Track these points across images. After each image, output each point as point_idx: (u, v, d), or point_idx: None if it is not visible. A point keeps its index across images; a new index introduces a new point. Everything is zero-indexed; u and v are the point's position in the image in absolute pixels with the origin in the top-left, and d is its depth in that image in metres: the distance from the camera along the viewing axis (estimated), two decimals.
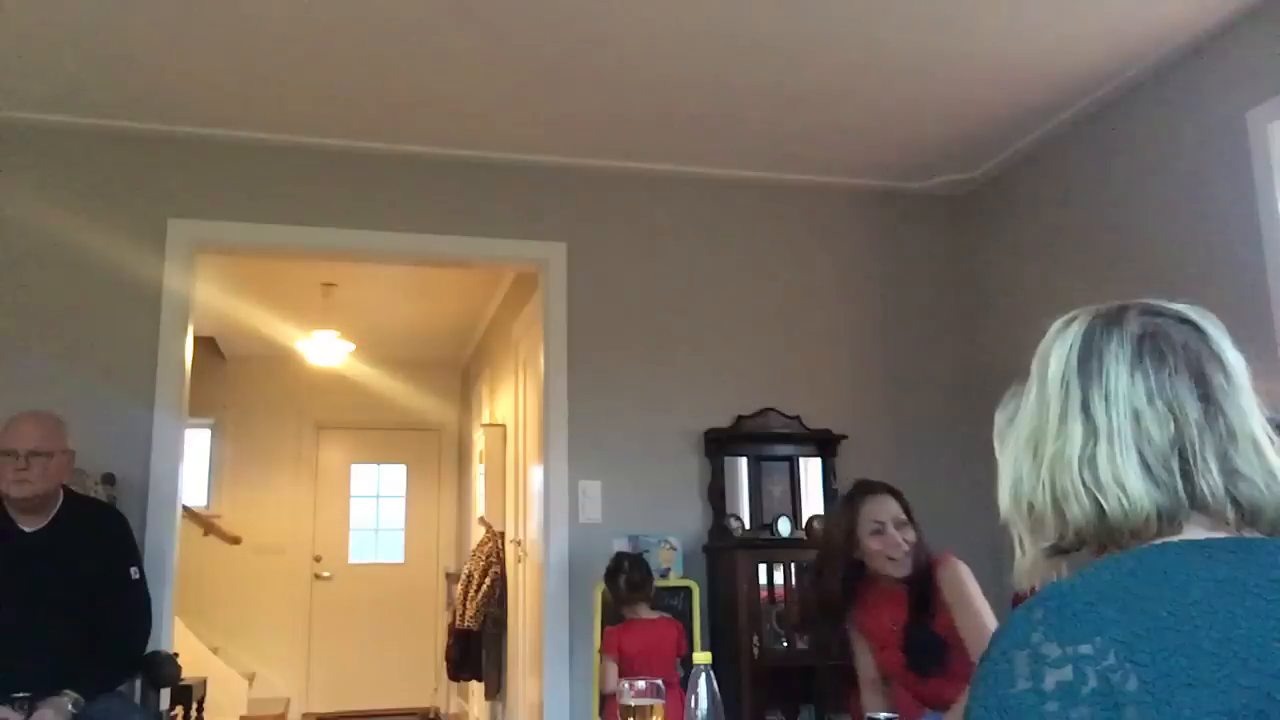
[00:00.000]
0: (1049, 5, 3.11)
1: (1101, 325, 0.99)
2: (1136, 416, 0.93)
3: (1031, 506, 0.97)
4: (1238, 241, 3.13)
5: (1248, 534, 0.91)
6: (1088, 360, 0.97)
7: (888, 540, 2.53)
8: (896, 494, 2.62)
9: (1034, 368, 1.02)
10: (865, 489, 2.64)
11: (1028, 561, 1.00)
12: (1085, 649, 0.80)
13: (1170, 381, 0.94)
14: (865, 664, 2.68)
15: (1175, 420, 0.93)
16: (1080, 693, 0.79)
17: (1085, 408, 0.95)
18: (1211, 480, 0.91)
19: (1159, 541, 0.90)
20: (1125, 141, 3.65)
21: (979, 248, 4.51)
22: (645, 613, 3.38)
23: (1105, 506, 0.92)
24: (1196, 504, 0.91)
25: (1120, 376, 0.95)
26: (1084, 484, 0.93)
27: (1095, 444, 0.93)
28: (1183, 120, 3.40)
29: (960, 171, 4.39)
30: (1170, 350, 0.96)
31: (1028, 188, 4.19)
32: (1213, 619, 0.81)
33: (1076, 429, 0.95)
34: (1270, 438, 0.94)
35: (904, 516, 2.57)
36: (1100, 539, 0.93)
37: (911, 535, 2.55)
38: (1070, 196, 3.93)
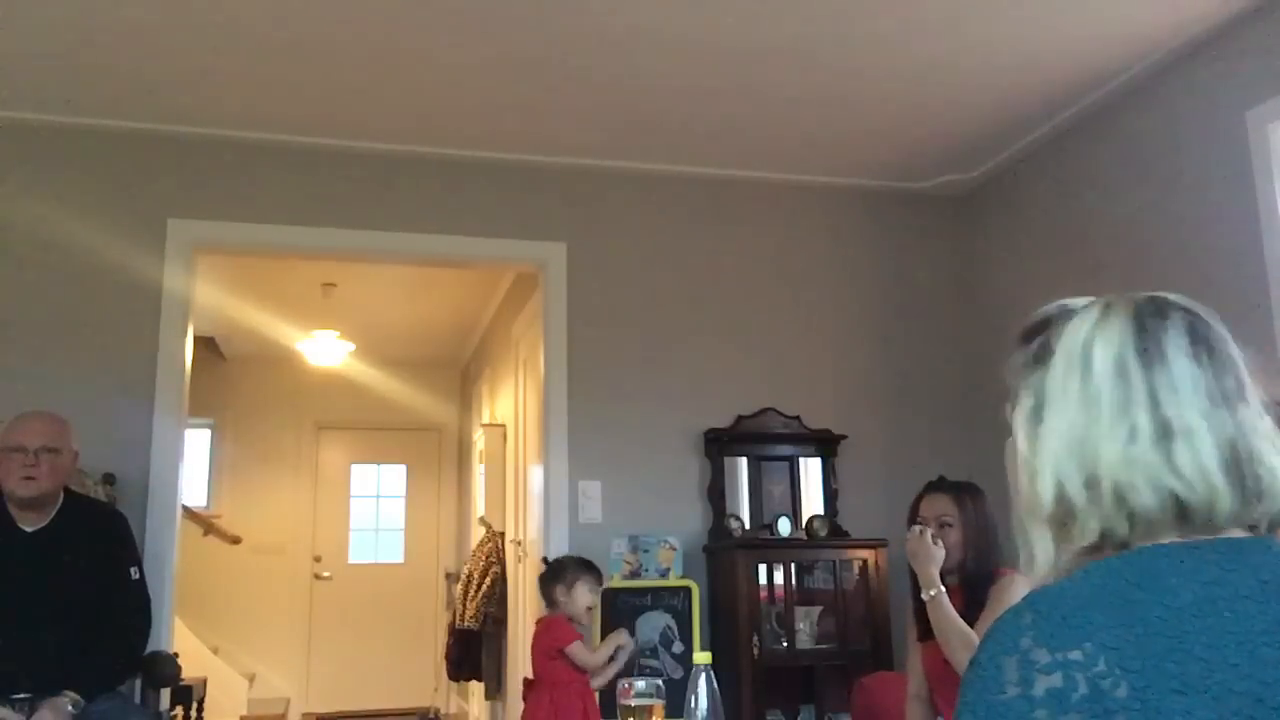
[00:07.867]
0: (1049, 6, 3.11)
1: (1150, 313, 0.95)
2: (1207, 409, 0.90)
3: (1074, 504, 0.91)
4: (1238, 241, 3.13)
5: (1237, 533, 0.89)
6: (1147, 350, 0.92)
7: None
8: (959, 496, 2.62)
9: (1068, 359, 0.96)
10: (929, 485, 2.70)
11: (1054, 563, 0.95)
12: (1075, 655, 0.79)
13: (1219, 377, 0.92)
14: (916, 678, 2.70)
15: (1231, 415, 0.90)
16: (1070, 699, 0.78)
17: (1153, 399, 0.90)
18: (1252, 480, 0.89)
19: (1149, 544, 0.88)
20: (1125, 141, 3.65)
21: (979, 248, 4.51)
22: (550, 610, 3.21)
23: (1189, 501, 0.88)
24: (1245, 502, 0.89)
25: (1184, 367, 0.91)
26: (1162, 478, 0.88)
27: (1171, 438, 0.89)
28: (1183, 120, 3.40)
29: (960, 171, 4.39)
30: (1215, 343, 0.94)
31: (1027, 188, 4.19)
32: (1203, 624, 0.80)
33: (1144, 421, 0.90)
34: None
35: (949, 518, 2.59)
36: (1153, 535, 0.89)
37: (953, 538, 2.58)
38: (1070, 196, 3.92)
